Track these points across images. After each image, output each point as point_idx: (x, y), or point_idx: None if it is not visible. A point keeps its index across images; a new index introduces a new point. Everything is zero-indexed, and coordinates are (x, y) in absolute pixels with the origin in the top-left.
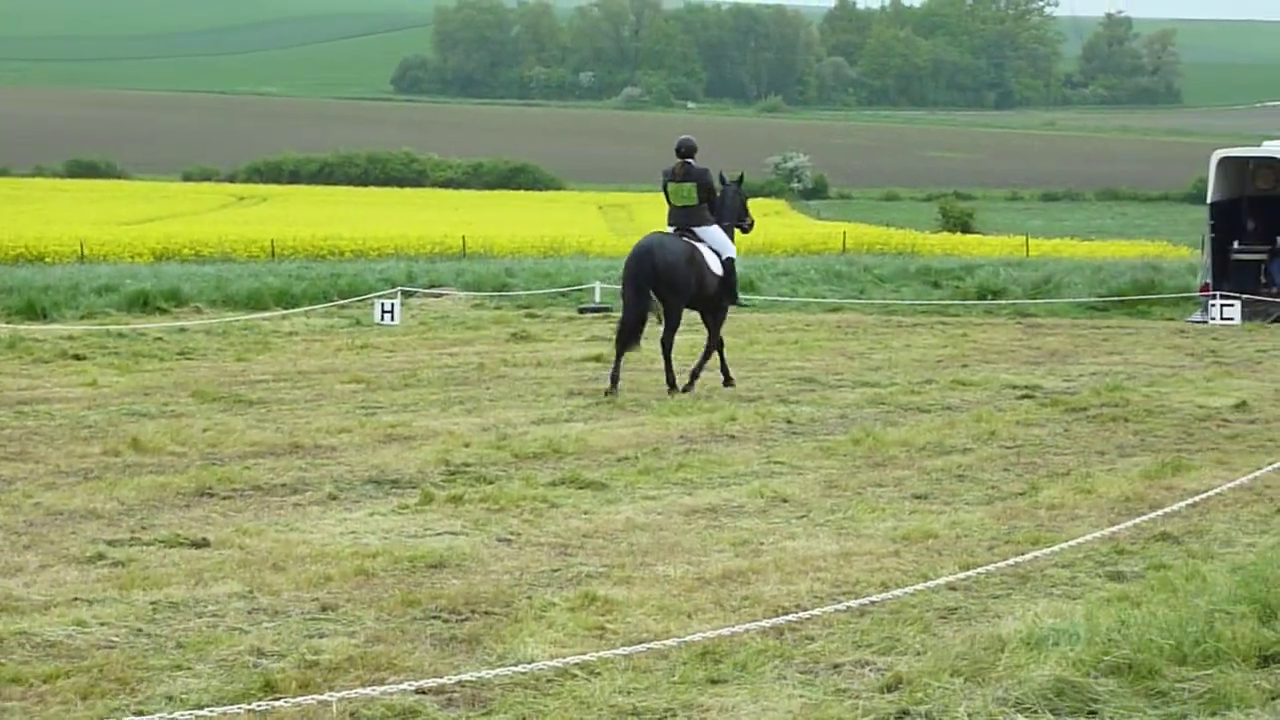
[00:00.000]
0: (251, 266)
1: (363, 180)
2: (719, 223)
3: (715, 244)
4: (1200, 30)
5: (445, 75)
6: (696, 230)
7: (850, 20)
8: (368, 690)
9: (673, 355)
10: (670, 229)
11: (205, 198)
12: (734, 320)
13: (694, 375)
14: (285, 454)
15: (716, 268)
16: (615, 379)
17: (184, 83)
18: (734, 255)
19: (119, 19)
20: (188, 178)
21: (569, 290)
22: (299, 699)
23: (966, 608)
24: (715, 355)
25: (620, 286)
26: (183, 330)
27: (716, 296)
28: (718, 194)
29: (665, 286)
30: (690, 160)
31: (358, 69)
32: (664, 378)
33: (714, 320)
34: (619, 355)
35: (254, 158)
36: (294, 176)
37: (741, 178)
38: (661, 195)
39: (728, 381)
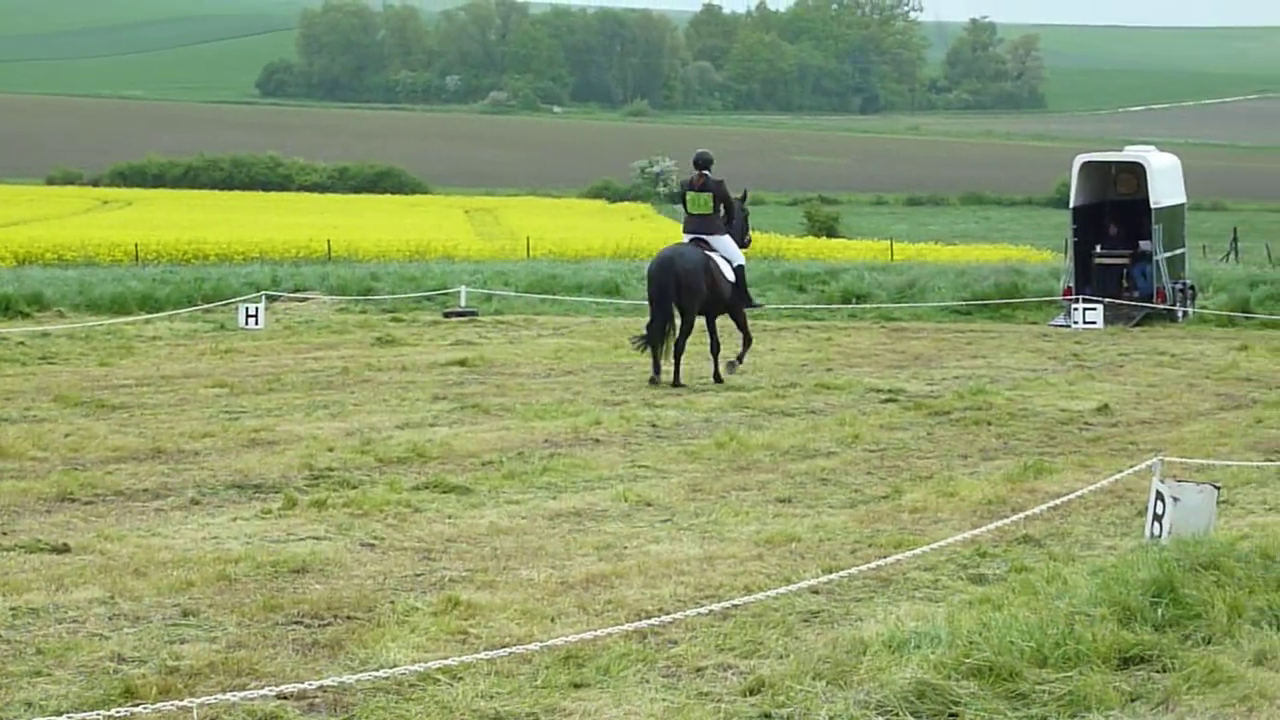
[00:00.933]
0: (115, 270)
1: (227, 184)
2: (729, 233)
3: (726, 252)
4: (1064, 35)
5: (310, 79)
6: (709, 239)
7: (716, 25)
8: (229, 696)
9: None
10: (686, 236)
11: (69, 201)
12: (601, 325)
13: (738, 360)
14: (147, 459)
15: (730, 274)
16: (657, 371)
17: (47, 86)
18: (743, 263)
19: None
20: (51, 181)
21: (434, 294)
22: (159, 705)
23: (829, 611)
24: (686, 351)
25: (646, 293)
26: (45, 335)
27: (732, 301)
28: (734, 204)
29: (684, 292)
30: (707, 172)
31: (222, 72)
32: (671, 377)
33: (740, 319)
34: (655, 355)
35: (118, 161)
36: (158, 180)
37: (745, 194)
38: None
39: (719, 378)
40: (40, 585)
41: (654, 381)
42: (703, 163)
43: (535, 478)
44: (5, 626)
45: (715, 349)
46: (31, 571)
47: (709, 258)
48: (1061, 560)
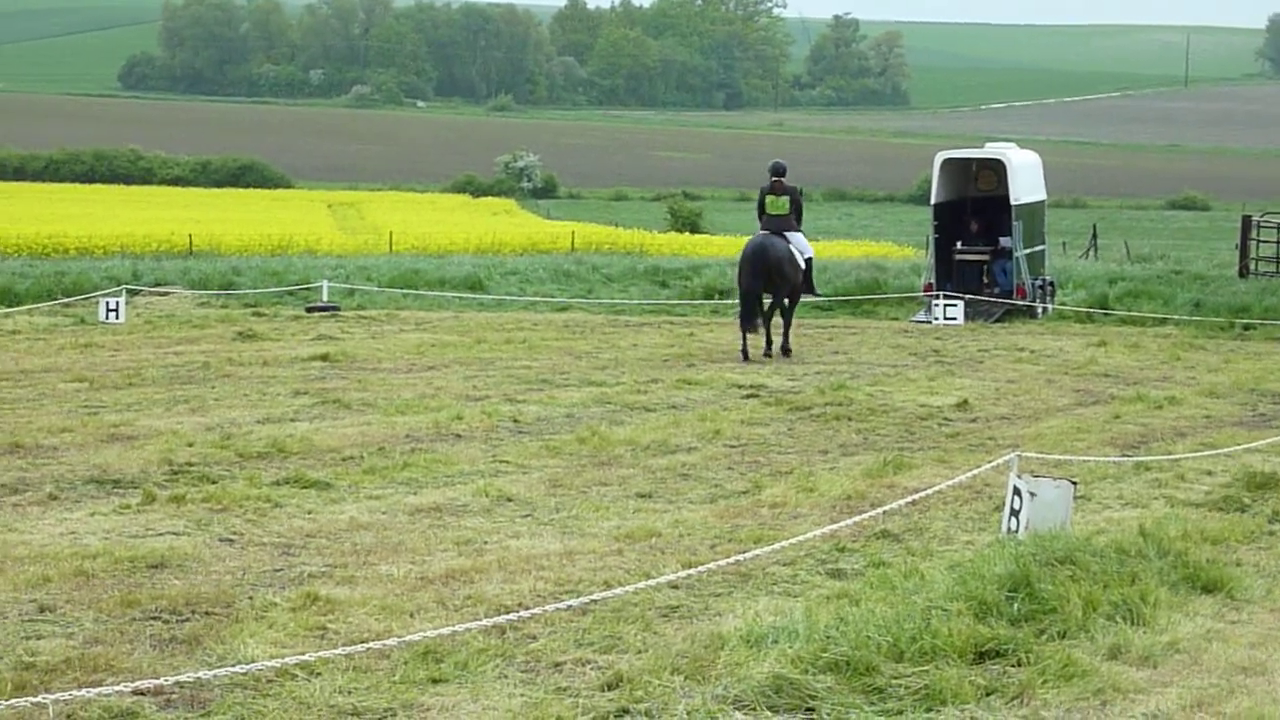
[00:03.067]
0: None
1: (89, 178)
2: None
3: (799, 245)
4: (927, 33)
5: (173, 72)
6: (786, 234)
7: (580, 20)
8: (85, 692)
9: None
10: (764, 233)
11: None
12: (463, 320)
13: (785, 346)
14: (5, 454)
15: (801, 264)
16: (746, 353)
17: None
18: (812, 255)
19: None
20: None
21: (296, 289)
22: (14, 701)
23: (688, 606)
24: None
25: (738, 277)
26: None
27: (799, 288)
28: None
29: (776, 275)
30: (783, 178)
31: (84, 65)
32: (763, 350)
33: (793, 304)
34: (744, 335)
35: None
36: (19, 173)
37: (802, 190)
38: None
39: (788, 351)
40: None
41: (746, 358)
42: (780, 171)
43: (396, 473)
44: None
45: (787, 325)
46: None
47: (790, 249)
48: (919, 555)
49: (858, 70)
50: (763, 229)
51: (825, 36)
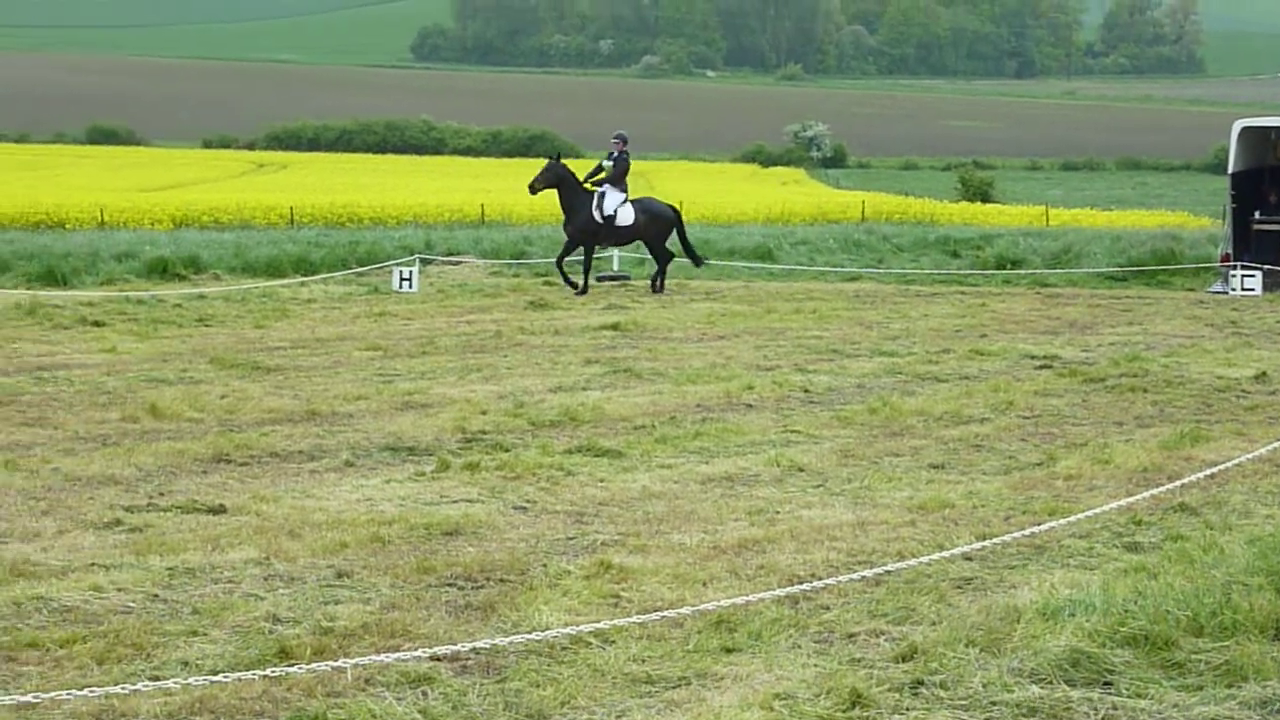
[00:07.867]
0: (270, 234)
1: (381, 148)
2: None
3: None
4: None
5: (465, 43)
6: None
7: None
8: (382, 657)
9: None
10: (627, 191)
11: (225, 165)
12: (753, 289)
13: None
14: (302, 421)
15: None
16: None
17: (200, 49)
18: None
19: None
20: (207, 145)
21: None
22: (314, 665)
23: (982, 578)
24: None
25: (664, 233)
26: (201, 297)
27: None
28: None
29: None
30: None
31: (376, 36)
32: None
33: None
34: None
35: (272, 125)
36: (313, 144)
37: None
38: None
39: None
40: (196, 546)
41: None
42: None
43: (687, 442)
44: (162, 586)
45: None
46: (188, 532)
47: None
48: (1218, 529)
49: (1152, 38)
50: (622, 189)
51: (1119, 4)
